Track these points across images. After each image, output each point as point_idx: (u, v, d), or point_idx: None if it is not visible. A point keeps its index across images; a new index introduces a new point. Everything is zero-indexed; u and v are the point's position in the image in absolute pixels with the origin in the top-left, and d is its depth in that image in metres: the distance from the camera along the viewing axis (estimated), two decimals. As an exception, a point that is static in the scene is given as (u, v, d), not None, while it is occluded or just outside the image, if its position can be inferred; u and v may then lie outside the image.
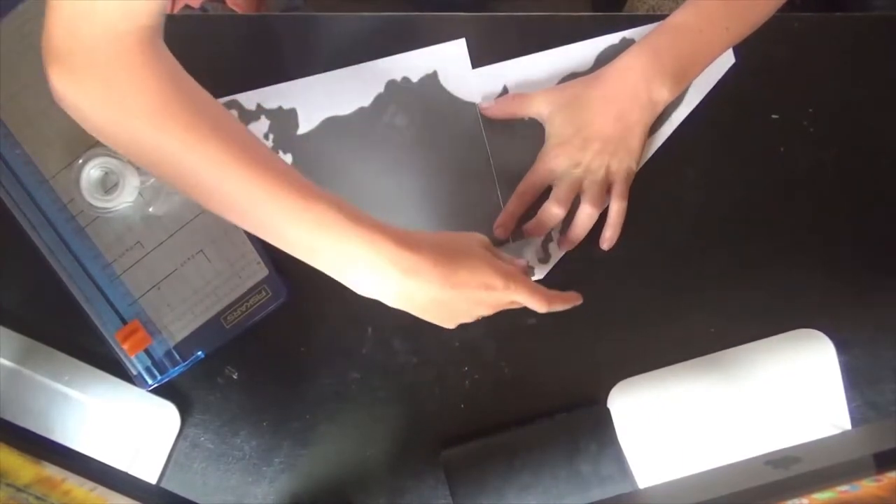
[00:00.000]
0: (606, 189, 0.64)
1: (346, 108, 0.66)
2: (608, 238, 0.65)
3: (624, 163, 0.63)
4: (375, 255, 0.49)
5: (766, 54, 0.67)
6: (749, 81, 0.67)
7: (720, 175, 0.67)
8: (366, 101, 0.66)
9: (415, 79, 0.67)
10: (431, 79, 0.67)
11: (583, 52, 0.66)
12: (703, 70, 0.63)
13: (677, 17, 0.62)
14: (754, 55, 0.67)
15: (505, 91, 0.66)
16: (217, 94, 0.65)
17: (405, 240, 0.50)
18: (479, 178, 0.66)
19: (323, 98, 0.66)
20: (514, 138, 0.66)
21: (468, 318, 0.56)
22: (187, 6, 0.83)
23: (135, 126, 0.47)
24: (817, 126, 0.67)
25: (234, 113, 0.66)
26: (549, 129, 0.65)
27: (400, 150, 0.66)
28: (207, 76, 0.65)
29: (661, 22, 0.63)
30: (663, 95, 0.62)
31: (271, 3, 0.96)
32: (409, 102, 0.66)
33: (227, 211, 0.50)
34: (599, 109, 0.62)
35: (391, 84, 0.66)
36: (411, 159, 0.66)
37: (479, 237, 0.57)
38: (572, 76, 0.66)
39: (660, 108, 0.63)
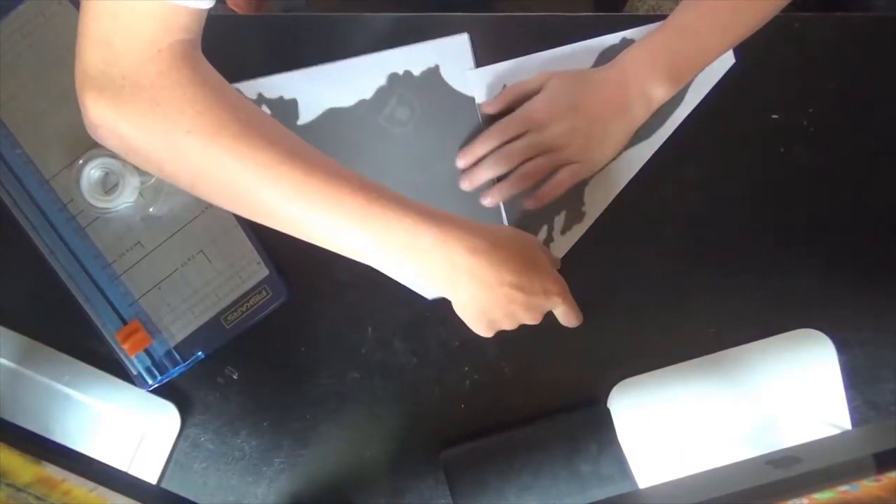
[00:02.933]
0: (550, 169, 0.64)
1: (347, 99, 0.66)
2: (537, 198, 0.64)
3: (590, 160, 0.63)
4: (451, 246, 0.49)
5: (766, 54, 0.67)
6: (749, 81, 0.67)
7: (720, 175, 0.67)
8: (367, 94, 0.66)
9: (417, 72, 0.67)
10: (433, 72, 0.67)
11: (583, 51, 0.66)
12: (700, 71, 0.63)
13: (676, 18, 0.62)
14: (754, 55, 0.67)
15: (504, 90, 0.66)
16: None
17: (480, 231, 0.50)
18: None
19: (324, 89, 0.66)
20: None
21: (513, 324, 0.54)
22: (187, 6, 0.83)
23: (185, 144, 0.46)
24: (817, 126, 0.67)
25: None
26: (543, 91, 0.64)
27: (400, 143, 0.67)
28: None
29: (661, 22, 0.63)
30: (658, 94, 0.62)
31: (271, 3, 0.96)
32: (411, 96, 0.66)
33: (282, 220, 0.48)
34: (597, 90, 0.63)
35: (393, 77, 0.66)
36: (411, 152, 0.66)
37: (536, 239, 0.56)
38: None
39: (654, 107, 0.63)
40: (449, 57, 0.66)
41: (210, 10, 0.48)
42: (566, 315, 0.57)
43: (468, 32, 0.66)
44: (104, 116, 0.46)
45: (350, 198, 0.47)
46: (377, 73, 0.66)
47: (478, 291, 0.51)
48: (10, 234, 0.64)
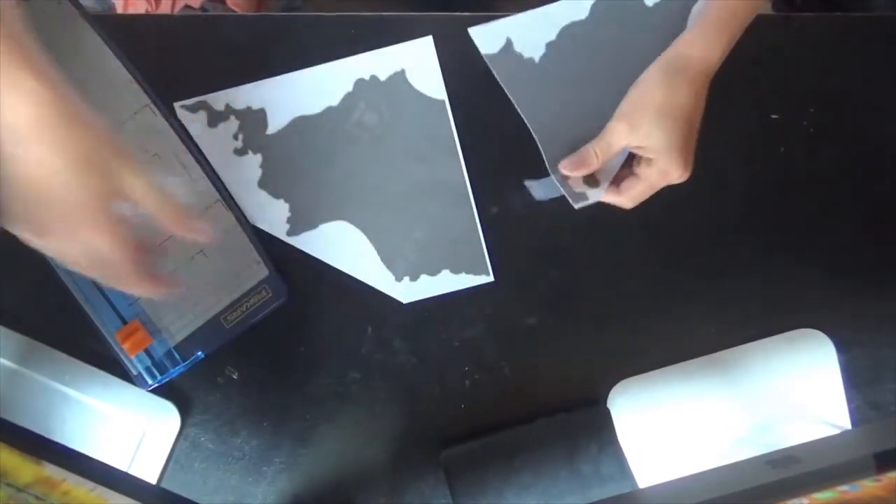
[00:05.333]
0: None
1: (315, 107, 0.66)
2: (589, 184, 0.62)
3: (684, 177, 0.60)
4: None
5: (766, 54, 0.67)
6: (749, 81, 0.67)
7: (720, 175, 0.67)
8: (334, 101, 0.66)
9: (383, 77, 0.67)
10: (399, 76, 0.67)
11: (577, 4, 0.67)
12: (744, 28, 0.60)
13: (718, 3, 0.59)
14: (754, 55, 0.67)
15: (509, 43, 0.66)
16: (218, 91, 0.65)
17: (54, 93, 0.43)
18: (449, 174, 0.67)
19: (291, 98, 0.66)
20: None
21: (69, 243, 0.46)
22: (187, 6, 0.83)
23: None
24: (817, 126, 0.67)
25: (204, 114, 0.66)
26: (655, 144, 0.58)
27: (370, 149, 0.67)
28: (208, 75, 0.65)
29: (717, 6, 0.59)
30: (715, 63, 0.59)
31: (271, 3, 0.96)
32: (378, 101, 0.66)
33: None
34: (697, 110, 0.58)
35: (359, 83, 0.66)
36: (381, 157, 0.66)
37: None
38: (571, 27, 0.66)
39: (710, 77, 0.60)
40: (414, 60, 0.66)
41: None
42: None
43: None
44: None
45: None
46: (343, 80, 0.66)
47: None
48: (11, 233, 0.64)
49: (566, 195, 0.63)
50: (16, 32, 0.44)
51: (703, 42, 0.59)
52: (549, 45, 0.66)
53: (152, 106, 0.64)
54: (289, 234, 0.66)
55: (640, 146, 0.59)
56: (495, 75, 0.65)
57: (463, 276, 0.67)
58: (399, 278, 0.67)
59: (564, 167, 0.62)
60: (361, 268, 0.66)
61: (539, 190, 0.66)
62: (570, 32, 0.67)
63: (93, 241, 0.46)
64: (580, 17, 0.67)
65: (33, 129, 0.42)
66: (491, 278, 0.66)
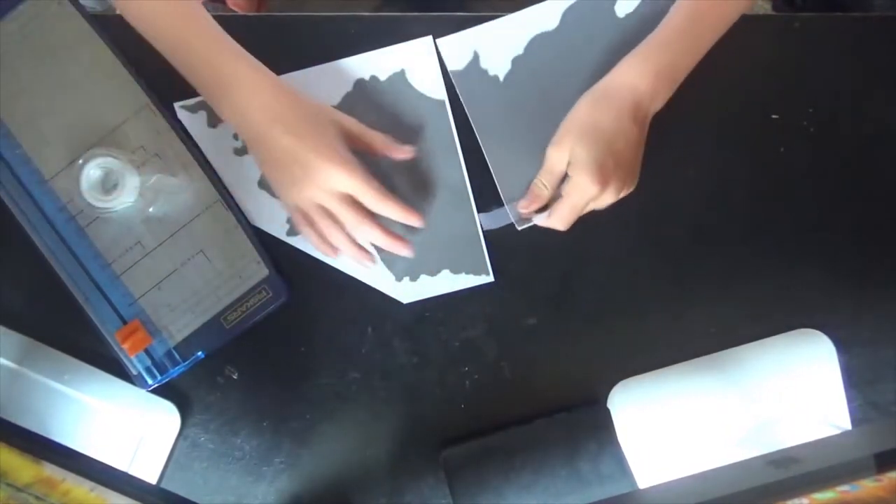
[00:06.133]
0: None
1: None
2: (539, 218, 0.64)
3: (628, 190, 0.62)
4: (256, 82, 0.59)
5: (766, 54, 0.67)
6: (749, 81, 0.67)
7: (720, 175, 0.67)
8: (335, 100, 0.66)
9: (383, 77, 0.67)
10: (399, 77, 0.67)
11: (548, 11, 0.67)
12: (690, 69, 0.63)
13: (676, 25, 0.62)
14: (754, 55, 0.67)
15: (476, 58, 0.66)
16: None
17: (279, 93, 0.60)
18: (449, 173, 0.67)
19: None
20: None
21: (308, 192, 0.59)
22: (187, 6, 0.83)
23: None
24: (817, 126, 0.67)
25: (203, 114, 0.66)
26: (577, 167, 0.59)
27: None
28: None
29: (657, 31, 0.62)
30: (659, 107, 0.62)
31: (272, 3, 0.96)
32: (378, 101, 0.66)
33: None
34: (618, 132, 0.60)
35: (359, 83, 0.66)
36: (381, 157, 0.66)
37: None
38: (540, 37, 0.66)
39: (652, 114, 0.62)
40: (414, 60, 0.66)
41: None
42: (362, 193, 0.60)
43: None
44: None
45: (196, 41, 0.59)
46: (344, 80, 0.66)
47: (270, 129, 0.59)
48: (10, 234, 0.64)
49: (513, 221, 0.65)
50: (240, 50, 0.60)
51: (630, 70, 0.61)
52: (516, 61, 0.67)
53: (152, 106, 0.64)
54: (289, 234, 0.66)
55: (567, 166, 0.60)
56: (459, 96, 0.66)
57: (463, 276, 0.67)
58: (399, 278, 0.67)
59: (523, 208, 0.64)
60: (361, 268, 0.66)
61: (490, 221, 0.66)
62: (537, 44, 0.67)
63: (334, 179, 0.58)
64: (550, 26, 0.67)
65: (271, 119, 0.59)
66: (491, 278, 0.66)
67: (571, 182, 0.60)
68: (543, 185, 0.63)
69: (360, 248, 0.62)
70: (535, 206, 0.64)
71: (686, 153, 0.67)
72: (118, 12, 0.63)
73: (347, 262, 0.66)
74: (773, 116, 0.68)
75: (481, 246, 0.67)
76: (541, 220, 0.64)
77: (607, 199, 0.60)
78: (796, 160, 0.67)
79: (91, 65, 0.64)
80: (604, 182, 0.59)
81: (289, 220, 0.66)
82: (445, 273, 0.67)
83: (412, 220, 0.61)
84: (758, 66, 0.67)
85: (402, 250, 0.62)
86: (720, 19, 0.62)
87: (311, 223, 0.61)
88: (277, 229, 0.66)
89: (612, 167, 0.59)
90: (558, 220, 0.62)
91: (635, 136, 0.60)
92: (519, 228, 0.66)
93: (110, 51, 0.64)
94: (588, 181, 0.58)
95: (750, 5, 0.63)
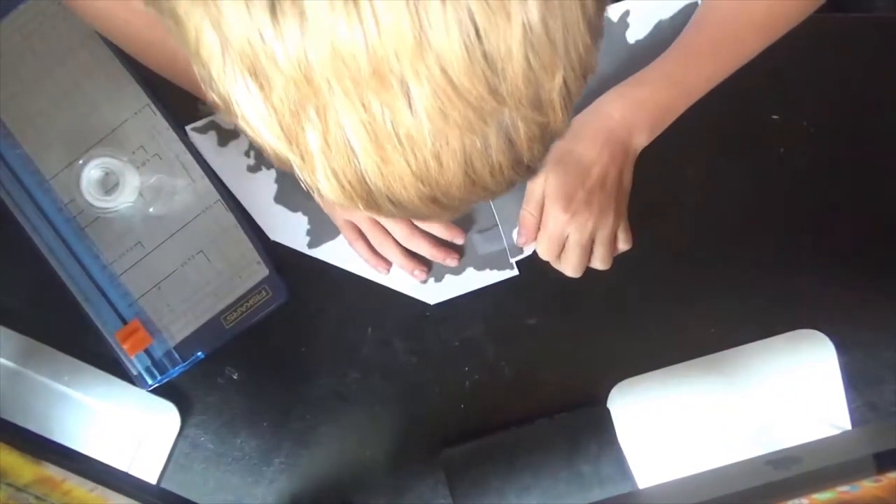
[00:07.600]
0: (588, 251, 0.62)
1: None
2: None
3: (609, 226, 0.61)
4: None
5: (765, 54, 0.67)
6: (749, 81, 0.67)
7: (720, 175, 0.67)
8: None
9: None
10: None
11: None
12: (678, 115, 0.62)
13: (661, 66, 0.61)
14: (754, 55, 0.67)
15: None
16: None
17: None
18: None
19: None
20: None
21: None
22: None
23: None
24: (817, 126, 0.67)
25: (213, 134, 0.65)
26: (547, 188, 0.60)
27: None
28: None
29: (645, 70, 0.62)
30: (641, 144, 0.61)
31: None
32: None
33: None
34: (593, 162, 0.60)
35: None
36: None
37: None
38: None
39: (636, 155, 0.62)
40: None
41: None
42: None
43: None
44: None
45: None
46: None
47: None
48: (10, 234, 0.64)
49: (506, 248, 0.65)
50: None
51: (606, 101, 0.61)
52: None
53: (152, 106, 0.64)
54: (310, 246, 0.66)
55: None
56: None
57: (487, 272, 0.66)
58: (424, 280, 0.67)
59: (521, 243, 0.64)
60: (385, 274, 0.66)
61: (483, 245, 0.66)
62: None
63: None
64: None
65: None
66: (515, 272, 0.66)
67: (544, 210, 0.60)
68: (531, 213, 0.62)
69: (414, 258, 0.64)
70: (532, 236, 0.63)
71: (686, 153, 0.67)
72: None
73: (369, 269, 0.66)
74: (774, 117, 0.67)
75: (503, 242, 0.66)
76: (531, 249, 0.64)
77: (577, 232, 0.60)
78: (796, 161, 0.67)
79: (91, 65, 0.64)
80: (571, 210, 0.59)
81: (309, 233, 0.66)
82: (470, 271, 0.66)
83: (455, 236, 0.64)
84: (758, 67, 0.67)
85: (450, 261, 0.65)
86: (715, 71, 0.61)
87: (361, 237, 0.63)
88: (299, 243, 0.66)
89: (583, 197, 0.59)
90: (541, 251, 0.62)
91: (613, 171, 0.60)
92: (511, 260, 0.65)
93: (110, 51, 0.64)
94: (556, 208, 0.59)
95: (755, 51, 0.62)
